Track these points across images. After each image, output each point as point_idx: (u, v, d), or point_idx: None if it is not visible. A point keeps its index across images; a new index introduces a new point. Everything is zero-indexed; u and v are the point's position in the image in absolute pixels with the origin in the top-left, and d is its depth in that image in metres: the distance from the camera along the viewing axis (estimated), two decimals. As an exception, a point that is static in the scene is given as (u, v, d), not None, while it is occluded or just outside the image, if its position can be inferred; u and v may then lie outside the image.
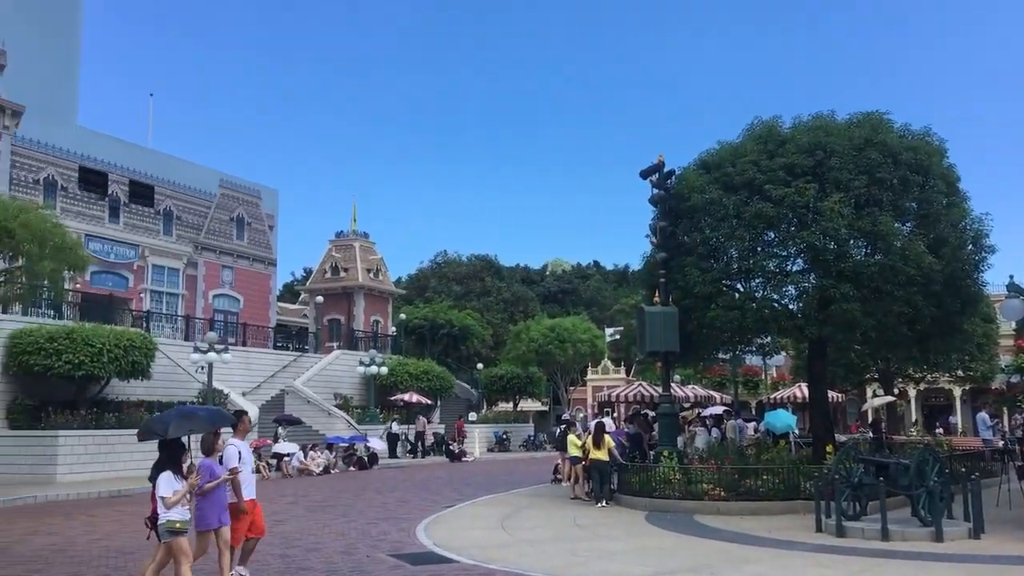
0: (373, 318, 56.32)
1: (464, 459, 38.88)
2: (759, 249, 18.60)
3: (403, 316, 56.80)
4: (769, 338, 21.86)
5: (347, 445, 33.99)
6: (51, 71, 39.98)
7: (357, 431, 36.83)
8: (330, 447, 33.01)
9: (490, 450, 45.32)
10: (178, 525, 8.72)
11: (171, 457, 8.92)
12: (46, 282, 25.73)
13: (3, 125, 35.58)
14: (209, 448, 9.68)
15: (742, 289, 19.44)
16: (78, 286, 35.77)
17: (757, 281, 19.25)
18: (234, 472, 9.70)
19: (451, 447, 39.87)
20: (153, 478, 8.91)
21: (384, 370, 41.26)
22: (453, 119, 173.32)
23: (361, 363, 41.31)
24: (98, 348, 27.16)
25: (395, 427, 39.40)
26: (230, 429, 10.30)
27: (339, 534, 15.27)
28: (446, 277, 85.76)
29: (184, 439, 9.21)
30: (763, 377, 49.32)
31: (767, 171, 18.17)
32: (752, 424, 26.01)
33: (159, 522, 8.72)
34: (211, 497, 9.39)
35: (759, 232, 18.33)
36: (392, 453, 37.99)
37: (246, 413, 10.74)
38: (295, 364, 42.86)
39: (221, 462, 9.74)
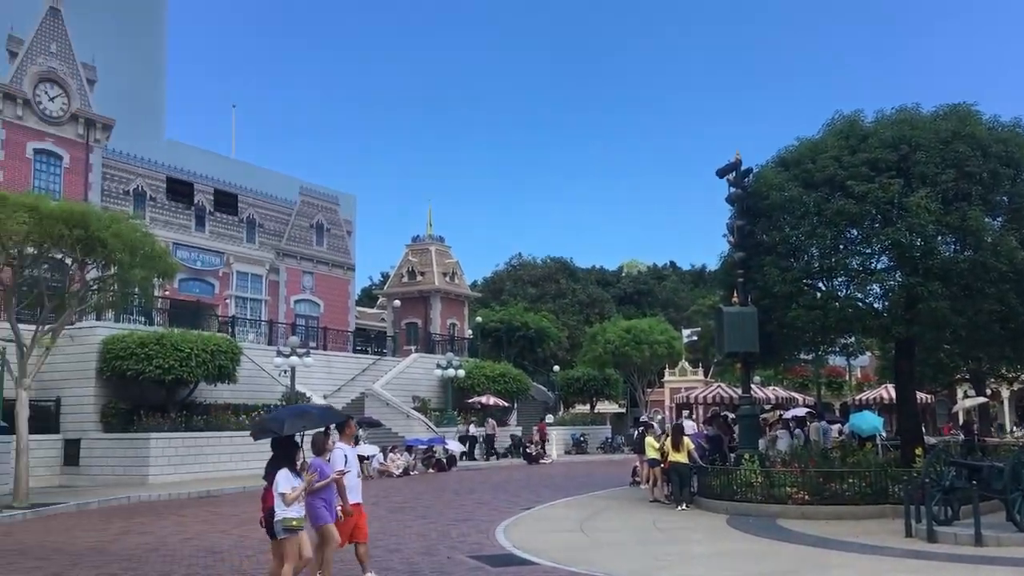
0: (449, 321, 56.83)
1: (541, 461, 38.93)
2: (841, 247, 18.22)
3: (479, 319, 57.15)
4: (853, 338, 21.29)
5: (426, 447, 34.37)
6: (139, 86, 41.45)
7: (435, 433, 37.22)
8: (409, 449, 33.43)
9: (567, 452, 45.23)
10: (294, 523, 8.79)
11: (286, 455, 9.01)
12: (137, 290, 26.66)
13: (94, 138, 37.06)
14: (320, 448, 9.78)
15: (824, 288, 19.02)
16: (167, 293, 36.99)
17: (840, 280, 18.84)
18: (341, 474, 9.84)
19: (528, 449, 39.95)
20: (268, 476, 9.00)
21: (461, 373, 41.59)
22: (523, 120, 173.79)
23: (438, 366, 41.73)
24: (187, 353, 28.02)
25: (473, 429, 39.70)
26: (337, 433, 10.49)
27: (419, 535, 15.45)
28: (521, 280, 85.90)
29: (296, 437, 9.34)
30: (847, 378, 48.20)
31: (849, 167, 17.76)
32: (836, 426, 25.33)
33: (276, 519, 8.78)
34: (322, 495, 9.51)
35: (841, 229, 17.96)
36: (470, 455, 38.28)
37: (352, 418, 10.93)
38: (374, 367, 43.52)
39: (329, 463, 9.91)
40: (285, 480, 8.80)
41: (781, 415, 27.20)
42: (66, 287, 23.73)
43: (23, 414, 21.02)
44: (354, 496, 10.19)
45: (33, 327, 21.71)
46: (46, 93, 35.78)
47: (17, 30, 35.23)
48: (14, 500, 20.30)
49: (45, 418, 27.16)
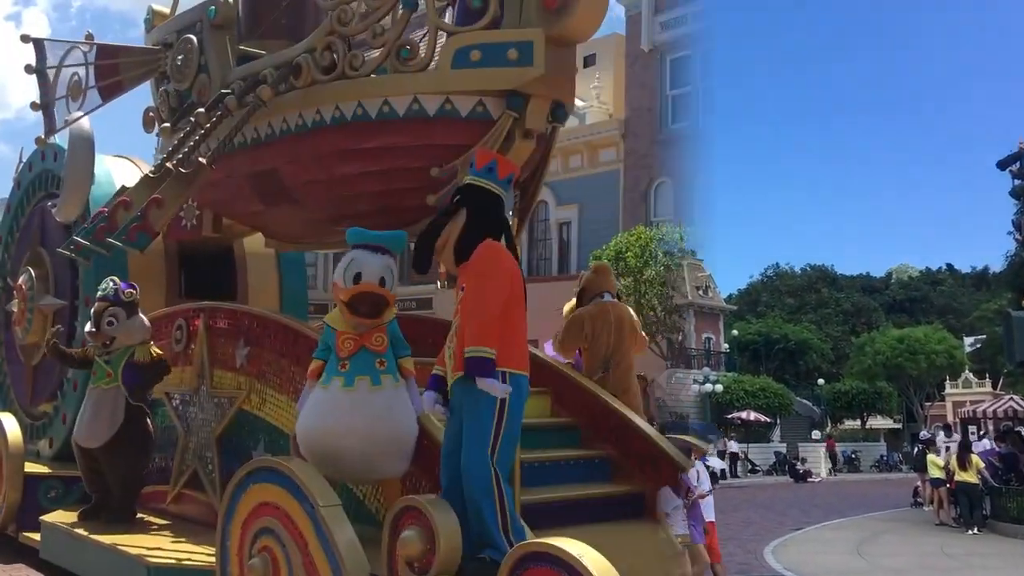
0: (704, 335, 55.85)
1: (809, 479, 37.33)
2: None
3: (735, 332, 55.86)
4: None
5: (686, 464, 34.01)
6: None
7: (695, 450, 36.76)
8: (669, 466, 33.22)
9: (837, 470, 43.12)
10: (679, 540, 8.79)
11: None
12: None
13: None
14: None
15: None
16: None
17: None
18: (702, 495, 9.73)
19: (796, 466, 38.48)
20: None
21: (719, 388, 40.83)
22: (776, 125, 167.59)
23: (695, 381, 41.19)
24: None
25: (734, 446, 38.77)
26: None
27: (684, 553, 15.26)
28: (778, 290, 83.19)
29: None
30: None
31: None
32: None
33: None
34: (692, 514, 9.39)
35: None
36: (733, 472, 37.43)
37: None
38: (630, 383, 43.67)
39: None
40: (666, 498, 8.70)
41: (1090, 430, 24.52)
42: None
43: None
44: (708, 513, 10.02)
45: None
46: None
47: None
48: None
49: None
